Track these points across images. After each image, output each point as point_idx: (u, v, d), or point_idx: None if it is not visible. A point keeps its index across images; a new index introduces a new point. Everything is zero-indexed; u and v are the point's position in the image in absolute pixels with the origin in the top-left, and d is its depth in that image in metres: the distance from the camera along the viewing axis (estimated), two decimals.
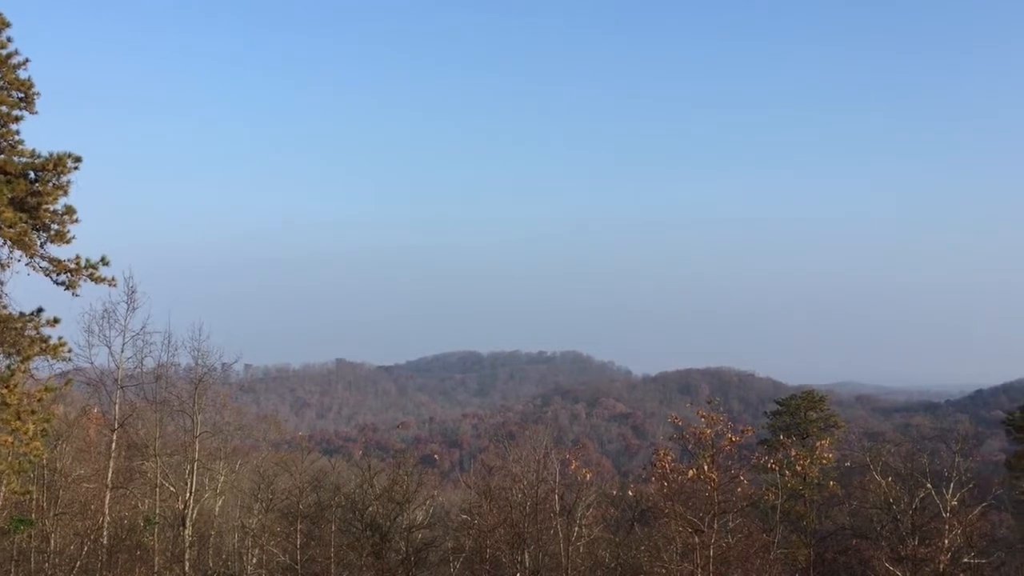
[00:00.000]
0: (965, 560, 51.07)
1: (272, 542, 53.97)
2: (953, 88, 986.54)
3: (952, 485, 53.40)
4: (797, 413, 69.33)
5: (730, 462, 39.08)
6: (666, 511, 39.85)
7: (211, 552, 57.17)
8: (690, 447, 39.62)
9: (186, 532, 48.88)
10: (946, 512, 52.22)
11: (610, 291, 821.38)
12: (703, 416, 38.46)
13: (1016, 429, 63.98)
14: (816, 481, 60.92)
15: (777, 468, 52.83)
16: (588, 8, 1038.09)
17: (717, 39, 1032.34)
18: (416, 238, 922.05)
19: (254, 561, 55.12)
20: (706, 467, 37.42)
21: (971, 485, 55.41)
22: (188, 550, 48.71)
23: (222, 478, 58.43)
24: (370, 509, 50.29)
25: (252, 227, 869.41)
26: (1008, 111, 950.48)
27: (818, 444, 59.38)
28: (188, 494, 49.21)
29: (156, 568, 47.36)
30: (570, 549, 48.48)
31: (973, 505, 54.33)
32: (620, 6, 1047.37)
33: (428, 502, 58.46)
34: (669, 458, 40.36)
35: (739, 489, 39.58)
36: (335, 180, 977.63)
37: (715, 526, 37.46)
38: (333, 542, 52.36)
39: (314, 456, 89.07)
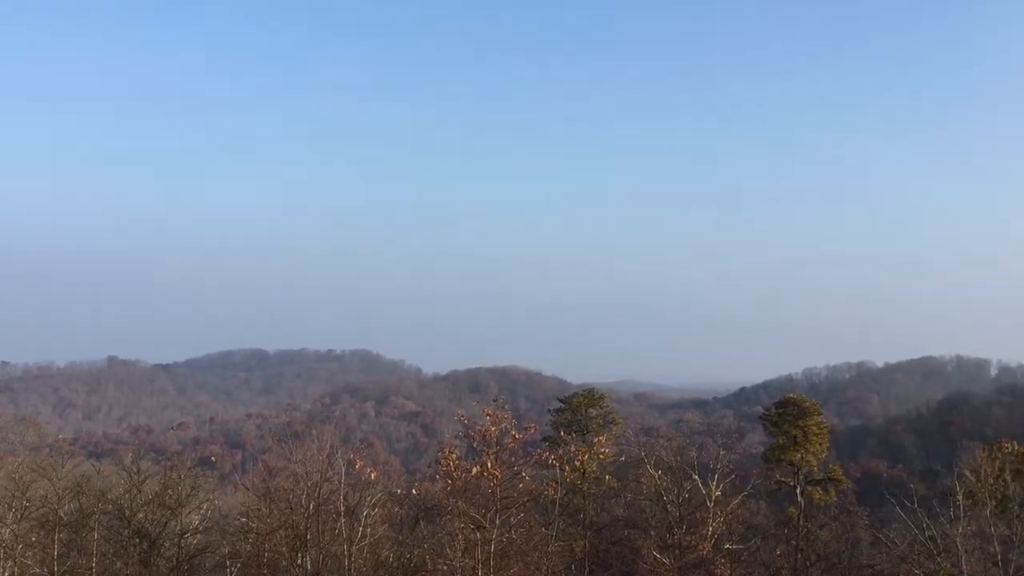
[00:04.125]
0: (726, 546, 54.83)
1: (27, 553, 49.96)
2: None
3: (716, 476, 57.27)
4: (579, 410, 71.88)
5: (514, 459, 39.86)
6: (450, 508, 40.08)
7: None
8: (476, 445, 40.05)
9: None
10: (710, 502, 55.93)
11: (401, 289, 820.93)
12: (489, 414, 39.02)
13: (771, 423, 68.86)
14: (594, 475, 63.29)
15: (558, 463, 54.49)
16: None
17: None
18: (201, 233, 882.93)
19: (6, 574, 50.70)
20: (490, 464, 37.97)
21: (733, 476, 59.66)
22: None
23: None
24: (139, 515, 47.50)
25: (16, 213, 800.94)
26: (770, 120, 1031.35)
27: (596, 440, 61.74)
28: None
29: None
30: (353, 550, 47.83)
31: (734, 495, 58.47)
32: None
33: (205, 506, 55.88)
34: (455, 456, 40.63)
35: (521, 485, 40.49)
36: (111, 173, 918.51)
37: (497, 522, 38.04)
38: (96, 551, 49.22)
39: (78, 460, 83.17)
